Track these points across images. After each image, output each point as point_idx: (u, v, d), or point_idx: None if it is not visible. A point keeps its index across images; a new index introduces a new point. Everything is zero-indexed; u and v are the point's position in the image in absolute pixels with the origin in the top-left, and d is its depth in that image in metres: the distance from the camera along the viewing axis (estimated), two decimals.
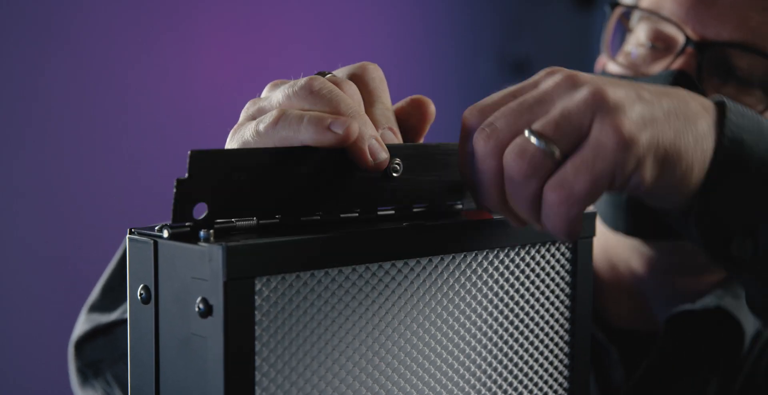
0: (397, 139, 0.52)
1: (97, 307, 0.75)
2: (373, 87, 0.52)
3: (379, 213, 0.51)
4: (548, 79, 0.50)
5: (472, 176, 0.50)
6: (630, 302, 0.90)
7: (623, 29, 0.88)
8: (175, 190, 0.43)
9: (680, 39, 0.81)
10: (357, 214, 0.50)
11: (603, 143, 0.46)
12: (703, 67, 0.79)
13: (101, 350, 0.73)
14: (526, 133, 0.47)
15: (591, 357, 0.84)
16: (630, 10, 0.86)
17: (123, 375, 0.69)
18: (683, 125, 0.49)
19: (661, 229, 0.82)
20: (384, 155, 0.49)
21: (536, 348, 0.57)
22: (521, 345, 0.57)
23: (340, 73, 0.54)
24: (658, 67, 0.82)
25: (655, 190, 0.49)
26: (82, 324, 0.75)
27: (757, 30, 0.78)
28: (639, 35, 0.85)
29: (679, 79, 0.77)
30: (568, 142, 0.47)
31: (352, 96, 0.50)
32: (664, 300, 0.87)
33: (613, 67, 0.86)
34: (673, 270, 0.87)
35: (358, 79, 0.52)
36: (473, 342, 0.54)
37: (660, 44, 0.83)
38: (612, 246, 0.89)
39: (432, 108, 0.53)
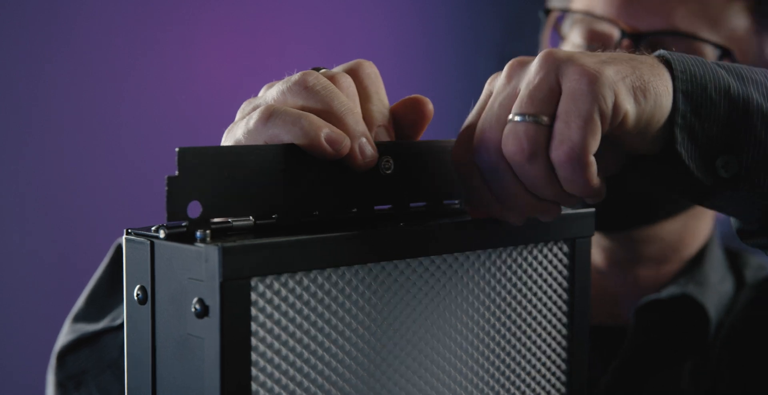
0: (390, 136, 0.52)
1: (82, 317, 0.74)
2: (368, 83, 0.52)
3: (378, 213, 0.51)
4: (497, 79, 0.52)
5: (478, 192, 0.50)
6: (595, 298, 0.90)
7: (557, 38, 0.93)
8: (166, 188, 0.43)
9: (615, 34, 0.86)
10: (354, 214, 0.50)
11: (575, 87, 0.47)
12: None
13: (85, 360, 0.72)
14: (510, 119, 0.48)
15: None
16: (563, 14, 0.92)
17: (109, 386, 0.68)
18: (635, 63, 0.51)
19: (618, 220, 0.86)
20: (372, 153, 0.48)
21: (535, 347, 0.57)
22: (520, 344, 0.57)
23: (336, 70, 0.54)
24: None
25: (638, 123, 0.50)
26: (66, 335, 0.74)
27: (684, 18, 0.85)
28: (574, 39, 0.90)
29: None
30: (548, 106, 0.48)
31: (347, 89, 0.50)
32: (628, 294, 0.90)
33: None
34: (634, 261, 0.90)
35: (353, 74, 0.52)
36: (472, 341, 0.54)
37: (596, 43, 0.87)
38: None
39: (430, 107, 0.53)
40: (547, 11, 0.93)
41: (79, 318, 0.74)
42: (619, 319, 0.90)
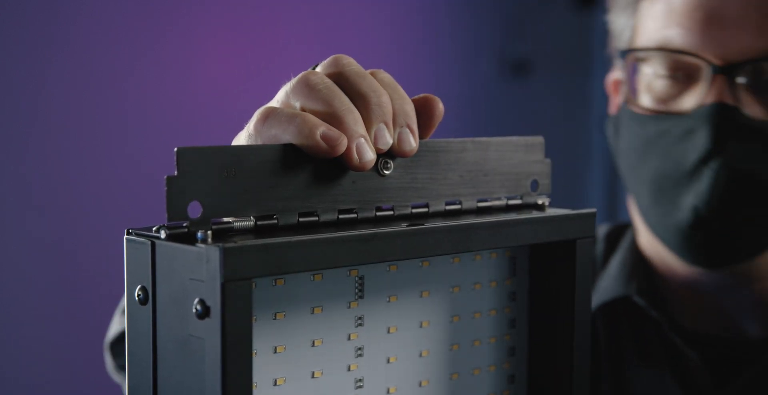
0: (414, 138, 0.50)
1: None
2: (389, 81, 0.51)
3: (378, 213, 0.51)
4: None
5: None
6: (709, 307, 0.87)
7: (635, 65, 0.86)
8: (166, 188, 0.43)
9: (702, 66, 0.78)
10: (355, 215, 0.50)
11: None
12: (738, 91, 0.77)
13: None
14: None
15: (667, 360, 0.83)
16: (638, 52, 0.83)
17: None
18: None
19: (727, 257, 0.81)
20: (370, 156, 0.48)
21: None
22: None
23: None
24: (689, 102, 0.80)
25: None
26: (116, 325, 0.76)
27: None
28: (655, 68, 0.82)
29: (720, 113, 0.76)
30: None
31: (382, 80, 0.50)
32: (747, 307, 0.86)
33: (640, 108, 0.83)
34: (748, 281, 0.85)
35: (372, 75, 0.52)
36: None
37: (681, 73, 0.80)
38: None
39: (441, 106, 0.53)
40: (624, 53, 0.84)
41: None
42: (735, 331, 0.86)
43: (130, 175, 1.91)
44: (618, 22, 0.88)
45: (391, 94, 0.50)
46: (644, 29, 0.83)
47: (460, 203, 0.55)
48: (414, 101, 0.52)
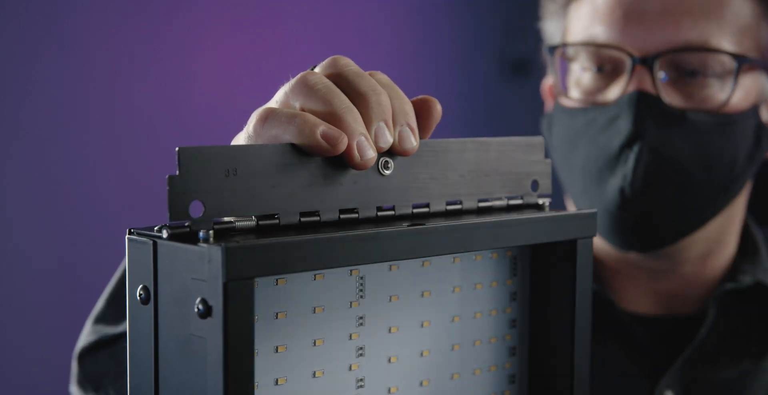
0: (415, 137, 0.51)
1: (102, 318, 0.74)
2: (387, 82, 0.52)
3: (379, 213, 0.51)
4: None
5: None
6: (645, 291, 0.93)
7: (564, 63, 0.92)
8: (167, 187, 0.43)
9: (624, 58, 0.84)
10: (356, 215, 0.50)
11: None
12: (657, 80, 0.83)
13: (104, 363, 0.73)
14: None
15: (616, 338, 0.88)
16: (566, 47, 0.90)
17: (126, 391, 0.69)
18: None
19: (655, 240, 0.86)
20: (371, 153, 0.48)
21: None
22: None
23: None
24: (614, 93, 0.86)
25: None
26: (87, 336, 0.75)
27: (692, 28, 0.82)
28: (582, 62, 0.88)
29: (640, 100, 0.82)
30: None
31: (380, 80, 0.50)
32: (678, 289, 0.91)
33: (567, 101, 0.90)
34: (680, 263, 0.90)
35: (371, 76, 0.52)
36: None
37: (607, 66, 0.86)
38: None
39: (438, 107, 0.53)
40: (552, 49, 0.91)
41: (99, 320, 0.74)
42: (668, 312, 0.91)
43: (132, 175, 1.91)
44: (549, 27, 0.94)
45: (390, 94, 0.50)
46: (572, 30, 0.89)
47: (461, 203, 0.55)
48: (412, 102, 0.52)
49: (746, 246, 0.92)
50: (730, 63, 0.82)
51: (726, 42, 0.83)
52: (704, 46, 0.82)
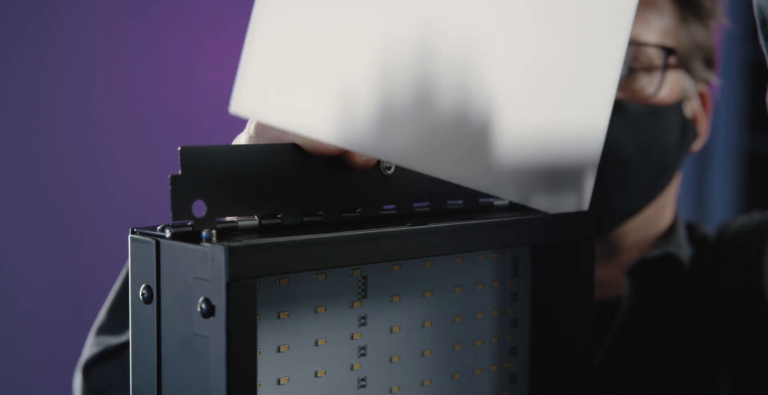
0: None
1: (105, 329, 0.74)
2: None
3: (381, 212, 0.51)
4: None
5: None
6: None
7: None
8: (170, 187, 0.43)
9: None
10: (358, 215, 0.50)
11: None
12: None
13: (111, 374, 0.72)
14: None
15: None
16: None
17: None
18: None
19: (600, 227, 0.87)
20: None
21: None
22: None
23: None
24: None
25: None
26: (91, 348, 0.75)
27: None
28: None
29: None
30: None
31: None
32: (615, 275, 0.92)
33: None
34: (621, 251, 0.92)
35: None
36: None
37: None
38: None
39: None
40: None
41: (102, 331, 0.74)
42: (604, 297, 0.93)
43: (135, 175, 1.91)
44: None
45: None
46: None
47: (463, 203, 0.55)
48: None
49: (671, 230, 0.96)
50: (657, 58, 0.87)
51: (653, 39, 0.87)
52: (635, 41, 0.86)
